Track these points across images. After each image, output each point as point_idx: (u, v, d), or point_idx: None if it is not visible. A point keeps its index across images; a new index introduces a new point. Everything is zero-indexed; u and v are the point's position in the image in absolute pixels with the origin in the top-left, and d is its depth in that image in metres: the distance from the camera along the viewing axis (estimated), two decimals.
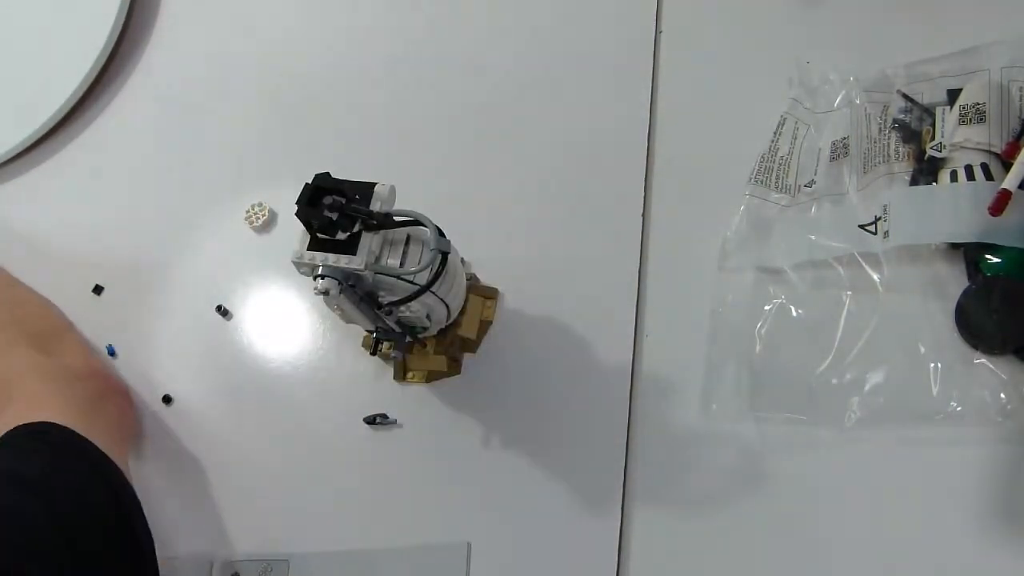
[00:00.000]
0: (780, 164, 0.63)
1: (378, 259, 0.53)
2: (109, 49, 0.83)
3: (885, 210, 0.57)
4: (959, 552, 0.52)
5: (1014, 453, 0.52)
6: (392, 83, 0.76)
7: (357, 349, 0.66)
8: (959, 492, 0.53)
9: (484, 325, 0.64)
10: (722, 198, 0.63)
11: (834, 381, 0.56)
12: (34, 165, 0.83)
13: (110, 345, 0.72)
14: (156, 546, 0.55)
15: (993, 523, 0.52)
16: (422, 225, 0.53)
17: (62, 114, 0.81)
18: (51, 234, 0.80)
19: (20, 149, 0.82)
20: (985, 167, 0.55)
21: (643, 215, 0.65)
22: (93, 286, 0.75)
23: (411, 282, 0.53)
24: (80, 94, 0.82)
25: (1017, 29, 0.59)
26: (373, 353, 0.62)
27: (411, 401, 0.64)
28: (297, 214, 0.52)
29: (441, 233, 0.53)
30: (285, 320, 0.70)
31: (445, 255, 0.53)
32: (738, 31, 0.69)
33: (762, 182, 0.62)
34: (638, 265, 0.63)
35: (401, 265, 0.53)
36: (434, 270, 0.53)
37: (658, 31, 0.71)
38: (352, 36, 0.80)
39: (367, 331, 0.59)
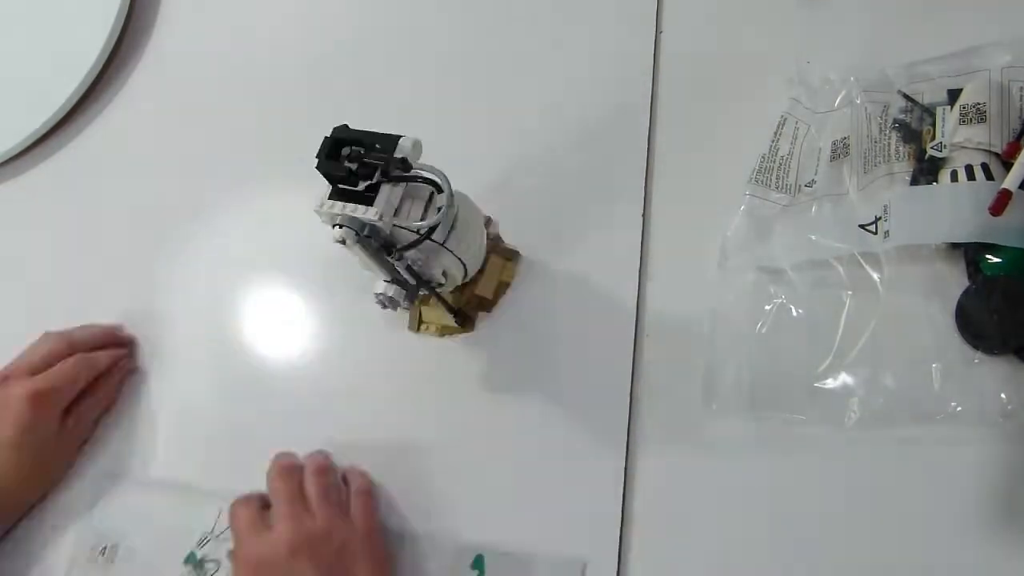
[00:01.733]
0: (780, 164, 0.63)
1: (397, 211, 0.54)
2: (109, 49, 0.83)
3: (885, 210, 0.57)
4: (959, 552, 0.52)
5: (1014, 453, 0.52)
6: (392, 74, 0.76)
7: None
8: (959, 492, 0.53)
9: (502, 286, 0.65)
10: (722, 198, 0.63)
11: (834, 381, 0.56)
12: (35, 164, 0.83)
13: None
14: None
15: (993, 523, 0.52)
16: (436, 183, 0.54)
17: (63, 113, 0.82)
18: (51, 233, 0.80)
19: (21, 148, 0.82)
20: (985, 167, 0.55)
21: (643, 215, 0.65)
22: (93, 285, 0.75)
23: (425, 236, 0.54)
24: (80, 94, 0.82)
25: (1017, 29, 0.59)
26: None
27: (428, 352, 0.66)
28: (317, 167, 0.53)
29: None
30: (285, 317, 0.71)
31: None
32: (738, 31, 0.69)
33: (762, 182, 0.62)
34: (638, 265, 0.63)
35: (422, 220, 0.54)
36: (445, 226, 0.55)
37: (658, 31, 0.71)
38: (352, 33, 0.80)
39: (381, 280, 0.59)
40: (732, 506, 0.56)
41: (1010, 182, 0.53)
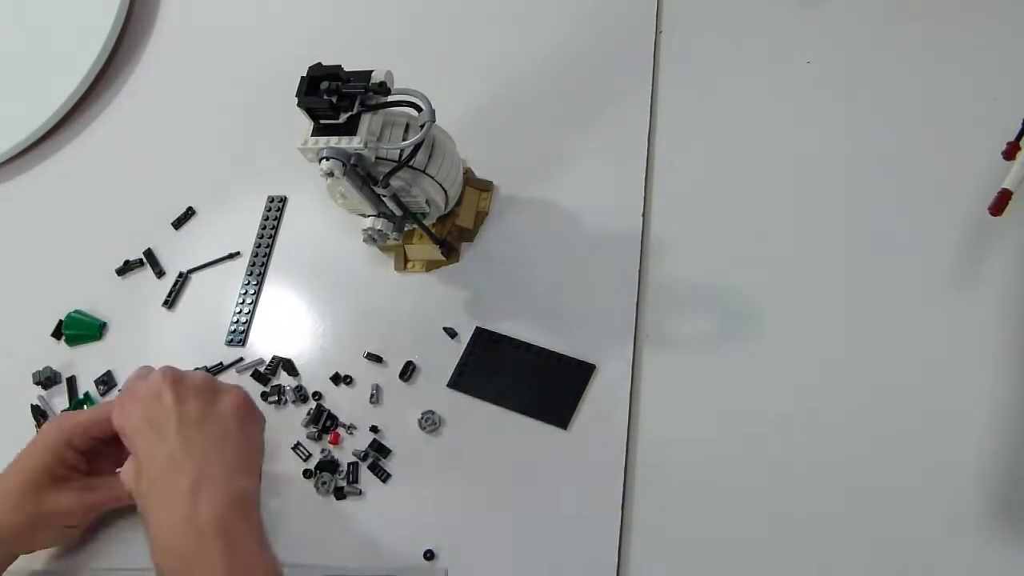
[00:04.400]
0: None
1: (379, 139, 0.58)
2: (109, 49, 0.87)
3: None
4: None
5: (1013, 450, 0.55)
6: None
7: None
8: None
9: (480, 216, 0.70)
10: (722, 198, 0.66)
11: None
12: (34, 165, 0.86)
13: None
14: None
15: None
16: (415, 104, 0.57)
17: (62, 114, 0.85)
18: (50, 232, 0.83)
19: (20, 149, 0.85)
20: None
21: (643, 214, 0.67)
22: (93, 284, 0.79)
23: (410, 156, 0.58)
24: (80, 94, 0.86)
25: None
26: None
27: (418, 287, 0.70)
28: (298, 104, 0.57)
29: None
30: (283, 297, 0.75)
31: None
32: (738, 31, 0.72)
33: None
34: (639, 259, 0.66)
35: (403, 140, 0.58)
36: (426, 148, 0.58)
37: (658, 31, 0.74)
38: (351, 32, 0.83)
39: (368, 215, 0.63)
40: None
41: (1010, 182, 0.52)
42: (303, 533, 0.63)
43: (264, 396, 0.68)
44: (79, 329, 0.76)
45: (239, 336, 0.72)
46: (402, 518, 0.62)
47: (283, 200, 0.77)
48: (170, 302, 0.75)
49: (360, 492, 0.63)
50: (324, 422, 0.66)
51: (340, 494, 0.64)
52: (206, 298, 0.75)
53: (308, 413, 0.67)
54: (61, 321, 0.77)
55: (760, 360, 0.60)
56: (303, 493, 0.64)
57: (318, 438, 0.66)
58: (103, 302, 0.77)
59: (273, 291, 0.74)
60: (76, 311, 0.77)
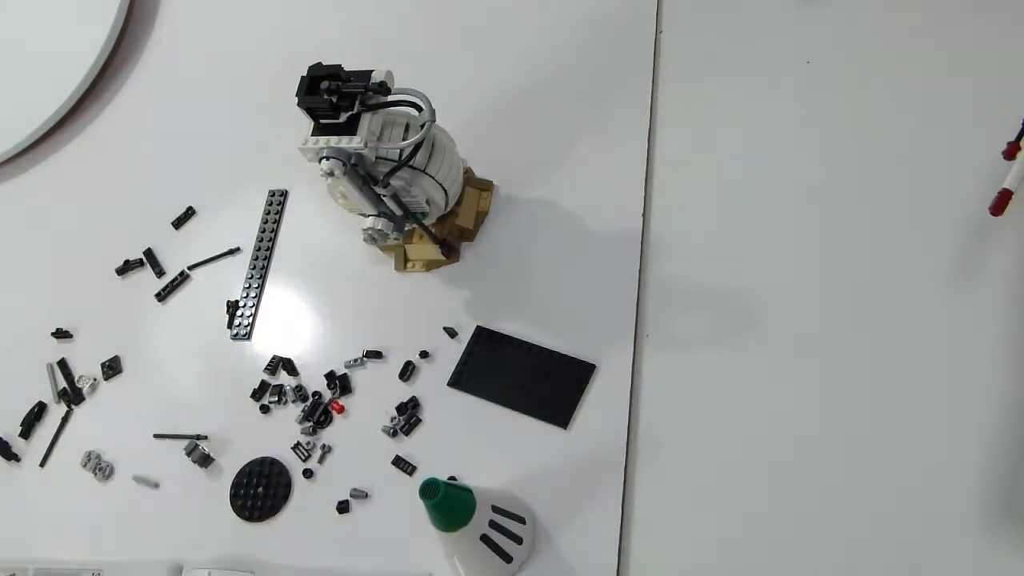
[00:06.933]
0: None
1: (379, 139, 0.58)
2: (109, 49, 0.87)
3: None
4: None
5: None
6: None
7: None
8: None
9: (480, 216, 0.70)
10: (722, 198, 0.67)
11: None
12: (34, 165, 0.87)
13: None
14: None
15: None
16: (416, 103, 0.58)
17: (62, 114, 0.86)
18: (50, 232, 0.83)
19: (20, 149, 0.86)
20: None
21: (643, 214, 0.67)
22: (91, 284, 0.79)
23: (411, 156, 0.58)
24: (80, 94, 0.86)
25: None
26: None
27: (418, 286, 0.70)
28: (298, 104, 0.57)
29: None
30: (289, 295, 0.75)
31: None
32: (738, 31, 0.73)
33: None
34: (639, 259, 0.66)
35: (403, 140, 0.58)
36: (426, 148, 0.58)
37: (658, 31, 0.74)
38: (351, 32, 0.83)
39: (368, 215, 0.63)
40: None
41: (1011, 182, 0.53)
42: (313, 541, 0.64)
43: (256, 395, 0.69)
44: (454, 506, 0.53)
45: (244, 330, 0.72)
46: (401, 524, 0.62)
47: (284, 194, 0.77)
48: (164, 296, 0.75)
49: (366, 495, 0.63)
50: (319, 416, 0.66)
51: (343, 505, 0.63)
52: (207, 294, 0.75)
53: (302, 411, 0.67)
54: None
55: (760, 360, 0.60)
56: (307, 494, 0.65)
57: (313, 432, 0.66)
58: (103, 302, 0.77)
59: (274, 290, 0.74)
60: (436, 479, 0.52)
